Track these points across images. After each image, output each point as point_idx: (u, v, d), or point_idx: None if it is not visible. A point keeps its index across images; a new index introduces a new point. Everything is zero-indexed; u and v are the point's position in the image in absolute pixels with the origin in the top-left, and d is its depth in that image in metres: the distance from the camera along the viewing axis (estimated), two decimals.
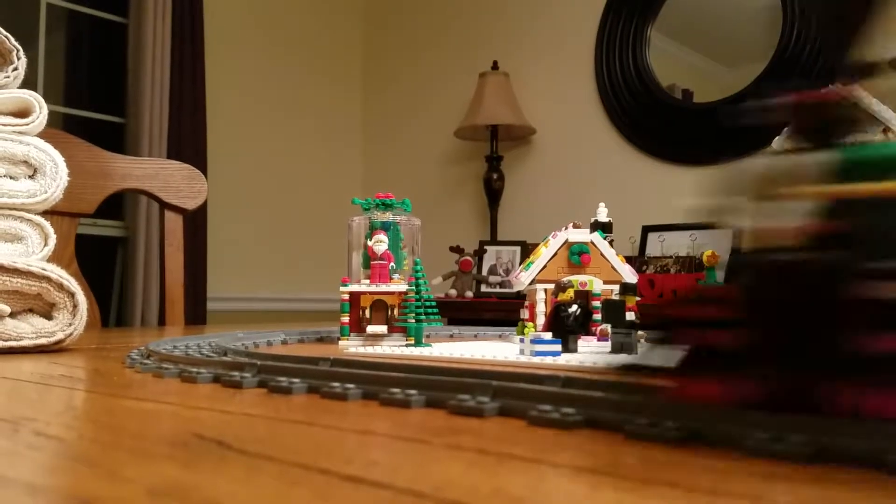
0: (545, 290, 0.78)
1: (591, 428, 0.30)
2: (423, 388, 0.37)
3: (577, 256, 0.78)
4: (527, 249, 2.63)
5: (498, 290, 2.67)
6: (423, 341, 0.74)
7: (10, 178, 0.71)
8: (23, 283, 0.66)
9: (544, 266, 0.79)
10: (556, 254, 0.79)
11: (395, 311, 0.77)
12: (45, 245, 0.72)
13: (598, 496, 0.20)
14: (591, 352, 0.67)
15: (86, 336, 0.81)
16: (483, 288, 2.69)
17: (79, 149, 1.28)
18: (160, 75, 2.86)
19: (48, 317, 0.69)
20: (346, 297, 0.77)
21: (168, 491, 0.20)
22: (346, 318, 0.77)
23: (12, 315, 0.67)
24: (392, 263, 0.80)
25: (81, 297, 0.69)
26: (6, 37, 0.74)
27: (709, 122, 2.56)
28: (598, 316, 0.75)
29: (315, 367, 0.43)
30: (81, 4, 2.96)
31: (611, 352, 0.65)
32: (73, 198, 1.07)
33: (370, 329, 0.77)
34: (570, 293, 0.68)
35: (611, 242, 0.81)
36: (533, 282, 0.79)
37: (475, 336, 0.96)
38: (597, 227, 0.84)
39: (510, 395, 0.34)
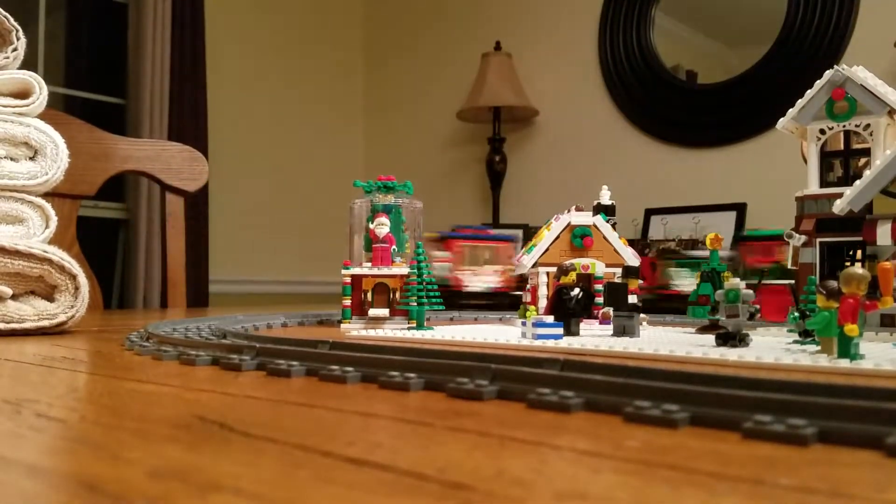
0: (547, 273, 0.78)
1: (590, 411, 0.30)
2: (422, 371, 0.37)
3: (580, 239, 0.78)
4: (529, 232, 2.63)
5: None
6: (425, 324, 0.74)
7: (11, 159, 0.71)
8: (24, 265, 0.66)
9: (547, 249, 0.79)
10: (558, 237, 0.79)
11: (397, 295, 0.77)
12: (47, 227, 0.71)
13: (599, 479, 0.20)
14: (593, 335, 0.67)
15: (87, 318, 0.81)
16: None
17: (79, 130, 1.28)
18: (161, 56, 2.85)
19: (50, 299, 0.69)
20: (348, 280, 0.77)
21: (170, 472, 0.20)
22: (347, 301, 0.77)
23: (14, 297, 0.67)
24: (394, 246, 0.80)
25: (83, 280, 0.69)
26: (5, 17, 0.74)
27: (713, 103, 2.54)
28: (600, 299, 0.75)
29: (314, 349, 0.43)
30: None
31: (613, 334, 0.65)
32: (74, 179, 1.07)
33: (372, 312, 0.77)
34: (573, 276, 0.68)
35: (613, 225, 0.81)
36: (535, 265, 0.79)
37: (475, 319, 0.96)
38: (599, 209, 0.83)
39: (509, 378, 0.34)
